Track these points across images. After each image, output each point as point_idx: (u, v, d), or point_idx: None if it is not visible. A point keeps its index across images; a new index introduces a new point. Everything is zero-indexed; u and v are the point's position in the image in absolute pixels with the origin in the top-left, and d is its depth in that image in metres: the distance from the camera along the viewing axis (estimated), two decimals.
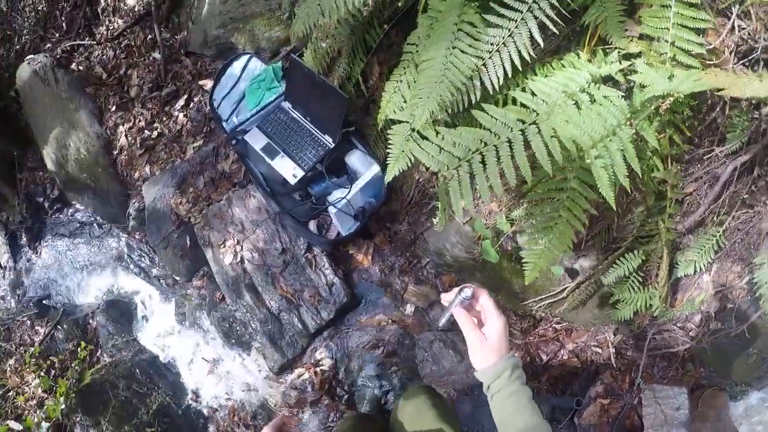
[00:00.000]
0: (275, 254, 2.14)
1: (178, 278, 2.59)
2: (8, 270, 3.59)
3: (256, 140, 2.11)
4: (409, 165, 1.62)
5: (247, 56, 2.42)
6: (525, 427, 0.84)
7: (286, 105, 2.15)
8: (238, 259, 2.18)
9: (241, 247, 2.17)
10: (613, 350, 1.79)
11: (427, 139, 1.30)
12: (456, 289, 0.90)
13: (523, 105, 1.25)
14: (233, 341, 2.37)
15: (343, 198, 1.95)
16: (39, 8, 3.54)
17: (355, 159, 2.04)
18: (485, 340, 0.87)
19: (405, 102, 1.67)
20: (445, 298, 0.92)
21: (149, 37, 2.92)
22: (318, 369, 2.20)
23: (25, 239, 3.46)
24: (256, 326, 2.17)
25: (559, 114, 1.18)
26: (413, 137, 1.59)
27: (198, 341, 2.56)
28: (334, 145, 2.02)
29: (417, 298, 2.16)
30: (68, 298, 3.14)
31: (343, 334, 2.20)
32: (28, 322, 3.15)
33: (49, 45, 3.33)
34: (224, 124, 2.32)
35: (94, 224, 3.12)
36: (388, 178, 1.59)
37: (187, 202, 2.34)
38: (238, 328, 2.31)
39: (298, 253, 2.13)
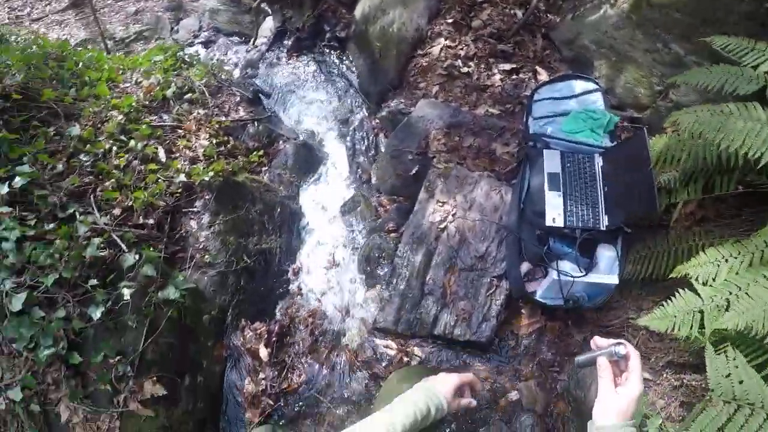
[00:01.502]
0: (472, 253, 2.10)
1: (374, 182, 2.64)
2: (256, 51, 3.91)
3: (551, 162, 2.03)
4: (663, 331, 1.54)
5: (595, 87, 2.31)
6: None
7: (597, 159, 2.03)
8: (442, 226, 2.16)
9: (453, 220, 2.15)
10: None
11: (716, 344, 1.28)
12: (611, 341, 0.92)
13: None
14: (367, 268, 2.39)
15: (572, 277, 1.84)
16: None
17: (606, 256, 1.90)
18: (617, 399, 0.87)
19: (714, 280, 1.56)
20: (598, 343, 0.94)
21: None
22: (405, 358, 2.17)
23: (288, 43, 3.71)
24: (400, 283, 2.16)
25: None
26: (694, 319, 1.51)
27: (339, 239, 2.62)
28: (603, 228, 1.89)
29: (526, 394, 2.04)
30: (281, 111, 3.35)
31: (450, 357, 2.14)
32: (238, 98, 3.34)
33: None
34: (530, 119, 2.26)
35: (353, 82, 3.24)
36: (642, 321, 1.60)
37: (444, 145, 2.35)
38: (383, 265, 2.33)
39: (489, 271, 2.07)
